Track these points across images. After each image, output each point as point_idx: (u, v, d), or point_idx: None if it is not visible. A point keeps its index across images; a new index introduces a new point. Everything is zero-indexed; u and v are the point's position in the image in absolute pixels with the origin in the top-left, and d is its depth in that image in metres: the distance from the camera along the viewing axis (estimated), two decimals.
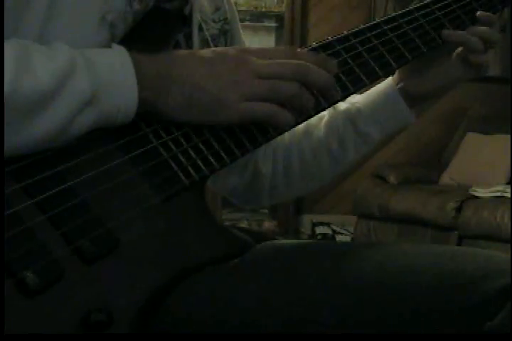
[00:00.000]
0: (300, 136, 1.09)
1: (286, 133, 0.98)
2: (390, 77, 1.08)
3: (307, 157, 1.09)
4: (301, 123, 0.93)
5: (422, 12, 1.02)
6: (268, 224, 4.82)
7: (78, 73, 0.74)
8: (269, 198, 1.13)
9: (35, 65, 0.72)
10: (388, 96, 1.07)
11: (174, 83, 0.79)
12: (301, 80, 0.83)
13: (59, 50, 0.75)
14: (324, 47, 0.93)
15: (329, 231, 4.73)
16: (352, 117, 1.08)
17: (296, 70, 0.83)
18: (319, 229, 4.75)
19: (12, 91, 0.70)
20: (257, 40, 5.15)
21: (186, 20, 0.95)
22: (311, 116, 0.92)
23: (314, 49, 0.92)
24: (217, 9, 1.04)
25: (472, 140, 4.60)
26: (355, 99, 1.09)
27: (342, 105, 1.09)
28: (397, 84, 1.07)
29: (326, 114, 1.09)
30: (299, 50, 0.89)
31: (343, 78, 0.93)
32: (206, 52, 0.83)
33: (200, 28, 0.98)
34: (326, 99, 0.91)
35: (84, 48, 0.77)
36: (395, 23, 0.99)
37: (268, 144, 0.93)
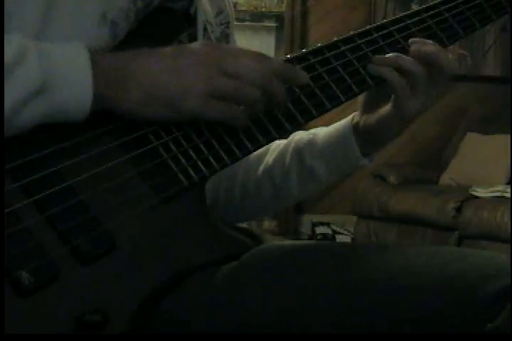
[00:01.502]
0: (250, 163, 1.04)
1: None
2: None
3: (249, 186, 1.04)
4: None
5: (413, 20, 0.97)
6: (268, 224, 4.82)
7: (28, 62, 0.72)
8: None
9: None
10: (339, 133, 0.99)
11: (132, 78, 0.77)
12: (264, 89, 0.80)
13: (10, 38, 0.74)
14: (299, 59, 0.89)
15: (329, 231, 4.72)
16: (301, 149, 1.01)
17: (264, 77, 0.80)
18: (319, 229, 4.74)
19: None
20: (257, 40, 5.15)
21: (191, 20, 0.94)
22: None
23: (289, 60, 0.89)
24: (219, 12, 1.03)
25: (472, 140, 4.60)
26: (317, 131, 1.03)
27: (298, 134, 1.03)
28: (352, 120, 0.99)
29: (283, 141, 1.04)
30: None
31: (319, 93, 0.90)
32: (170, 48, 0.81)
33: (205, 29, 0.98)
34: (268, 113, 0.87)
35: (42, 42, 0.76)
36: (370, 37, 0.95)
37: None
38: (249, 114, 0.83)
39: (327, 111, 0.91)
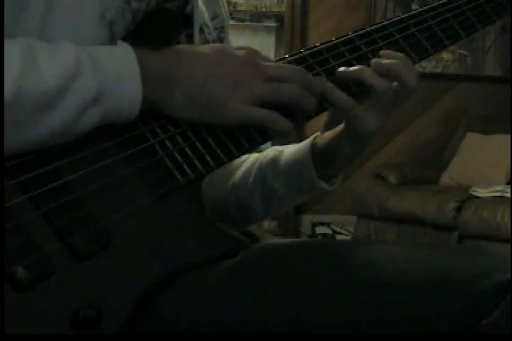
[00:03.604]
0: (223, 176, 1.02)
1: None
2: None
3: (218, 201, 1.02)
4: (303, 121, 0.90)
5: (414, 20, 0.97)
6: (268, 224, 4.82)
7: (84, 73, 0.75)
8: None
9: (41, 65, 0.73)
10: (299, 153, 0.96)
11: (177, 83, 0.79)
12: (302, 84, 0.84)
13: (65, 49, 0.75)
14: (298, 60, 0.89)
15: (329, 231, 4.73)
16: (264, 166, 1.00)
17: (299, 75, 0.84)
18: (319, 229, 4.75)
19: (17, 92, 0.71)
20: (257, 40, 5.15)
21: (188, 21, 0.95)
22: (312, 117, 0.91)
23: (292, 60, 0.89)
24: (215, 17, 1.04)
25: (472, 140, 4.60)
26: (286, 148, 1.00)
27: (269, 149, 1.01)
28: (313, 140, 0.96)
29: (253, 157, 1.02)
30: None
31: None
32: (214, 49, 0.83)
33: (201, 30, 0.98)
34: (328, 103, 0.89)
35: (90, 46, 0.78)
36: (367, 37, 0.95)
37: None
38: (302, 109, 0.85)
39: (310, 117, 0.90)
